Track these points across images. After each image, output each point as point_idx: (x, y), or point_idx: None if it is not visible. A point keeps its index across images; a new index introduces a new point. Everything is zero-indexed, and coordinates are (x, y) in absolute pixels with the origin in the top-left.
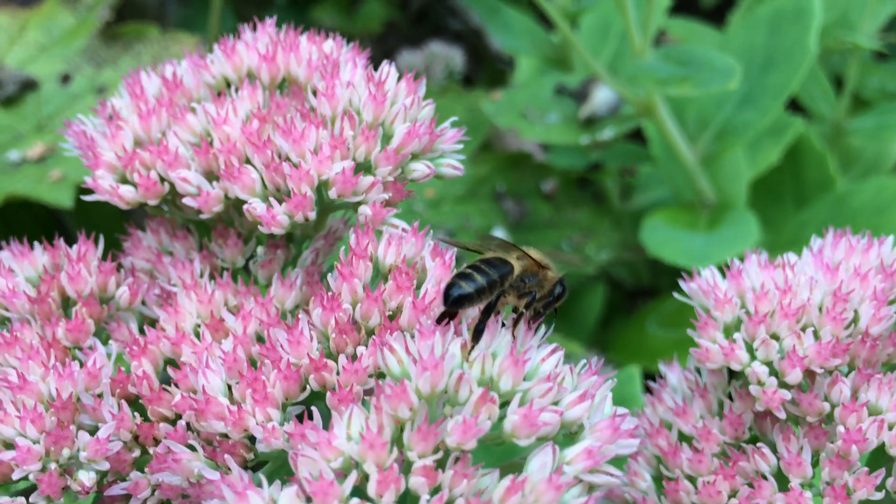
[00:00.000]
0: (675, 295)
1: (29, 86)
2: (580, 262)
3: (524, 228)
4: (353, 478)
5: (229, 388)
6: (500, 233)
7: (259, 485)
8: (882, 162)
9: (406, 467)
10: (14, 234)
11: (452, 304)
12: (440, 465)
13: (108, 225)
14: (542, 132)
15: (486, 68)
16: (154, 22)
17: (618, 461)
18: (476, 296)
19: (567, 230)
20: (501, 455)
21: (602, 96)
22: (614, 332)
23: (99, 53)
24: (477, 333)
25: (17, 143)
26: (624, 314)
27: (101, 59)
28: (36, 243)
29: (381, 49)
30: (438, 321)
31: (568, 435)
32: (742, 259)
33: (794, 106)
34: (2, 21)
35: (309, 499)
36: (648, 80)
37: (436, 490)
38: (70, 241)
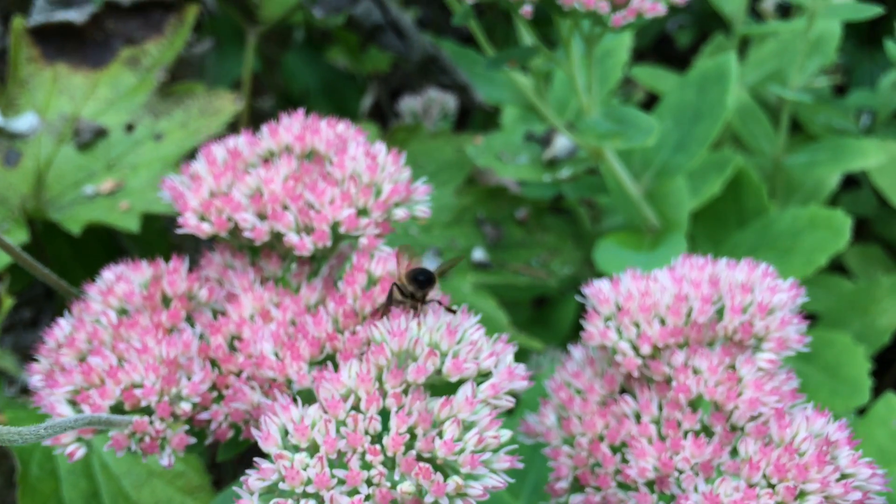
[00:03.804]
0: (577, 297)
1: (100, 133)
2: (546, 275)
3: (500, 248)
4: (352, 399)
5: (275, 353)
6: (479, 252)
7: (296, 404)
8: (819, 192)
9: (384, 395)
10: (83, 250)
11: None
12: (405, 393)
13: (154, 242)
14: (514, 171)
15: (481, 112)
16: (197, 73)
17: (533, 406)
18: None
19: (536, 249)
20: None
21: (561, 143)
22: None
23: (156, 107)
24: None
25: (91, 179)
26: None
27: (158, 111)
28: (143, 262)
29: (387, 87)
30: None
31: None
32: None
33: (740, 143)
34: (78, 80)
35: (326, 411)
36: (592, 134)
37: (401, 407)
38: (126, 255)
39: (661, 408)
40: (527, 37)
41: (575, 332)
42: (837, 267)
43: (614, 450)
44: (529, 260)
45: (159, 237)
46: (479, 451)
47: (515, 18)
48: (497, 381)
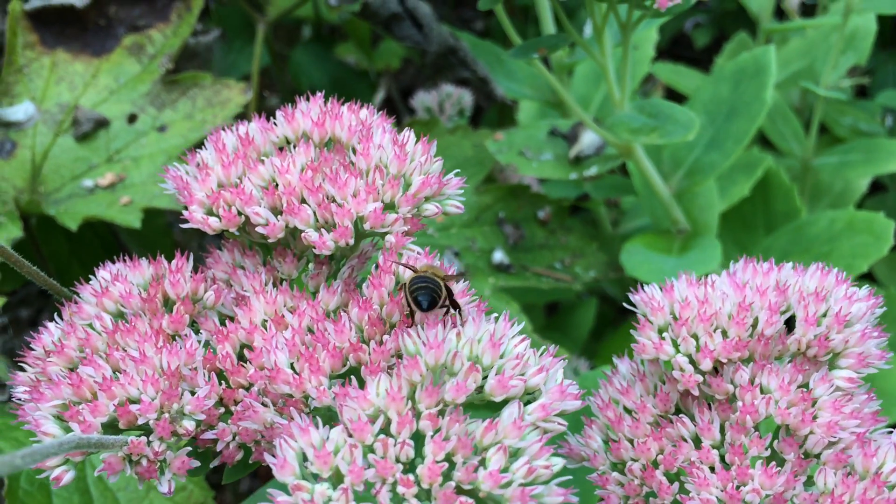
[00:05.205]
0: (625, 304)
1: (101, 124)
2: (570, 279)
3: (521, 250)
4: (380, 421)
5: (291, 365)
6: (499, 254)
7: (316, 426)
8: (849, 195)
9: (417, 416)
10: (81, 246)
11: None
12: (441, 414)
13: (156, 240)
14: (537, 168)
15: (495, 107)
16: (204, 65)
17: (576, 427)
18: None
19: (559, 252)
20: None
21: (589, 139)
22: (604, 341)
23: (160, 97)
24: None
25: (91, 172)
26: (614, 327)
27: (162, 101)
28: (143, 259)
29: (398, 84)
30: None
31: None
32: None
33: (768, 144)
34: (78, 68)
35: (350, 434)
36: (624, 129)
37: (437, 431)
38: (126, 253)
39: (723, 431)
40: (550, 27)
41: (595, 338)
42: (862, 275)
43: (671, 478)
44: (552, 263)
45: (162, 234)
46: (530, 484)
47: (539, 9)
48: (547, 402)
